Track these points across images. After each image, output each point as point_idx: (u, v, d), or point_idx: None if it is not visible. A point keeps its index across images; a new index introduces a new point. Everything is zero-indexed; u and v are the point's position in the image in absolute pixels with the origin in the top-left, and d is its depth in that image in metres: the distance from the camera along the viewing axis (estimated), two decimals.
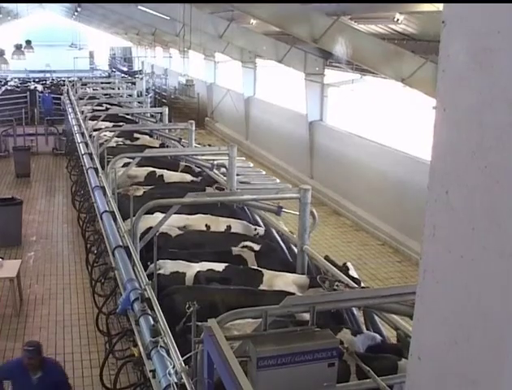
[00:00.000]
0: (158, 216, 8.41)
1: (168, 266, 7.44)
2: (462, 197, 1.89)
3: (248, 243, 8.45)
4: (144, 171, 12.55)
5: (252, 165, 13.87)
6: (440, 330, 2.00)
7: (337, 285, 6.78)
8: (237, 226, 9.23)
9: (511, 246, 1.71)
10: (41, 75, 40.57)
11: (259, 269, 7.64)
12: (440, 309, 2.00)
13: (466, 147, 1.85)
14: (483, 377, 1.84)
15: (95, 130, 15.76)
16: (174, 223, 8.80)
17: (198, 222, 9.21)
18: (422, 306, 2.12)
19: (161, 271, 7.24)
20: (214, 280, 7.25)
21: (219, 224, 9.21)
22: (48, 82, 35.43)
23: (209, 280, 7.26)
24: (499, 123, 1.72)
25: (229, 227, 9.18)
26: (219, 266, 7.53)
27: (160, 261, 7.31)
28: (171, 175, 12.55)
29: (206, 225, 9.18)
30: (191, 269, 7.42)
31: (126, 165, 11.70)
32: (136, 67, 46.92)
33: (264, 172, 13.31)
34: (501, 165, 1.73)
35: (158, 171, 12.53)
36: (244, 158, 14.86)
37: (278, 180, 12.21)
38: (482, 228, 1.81)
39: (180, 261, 7.64)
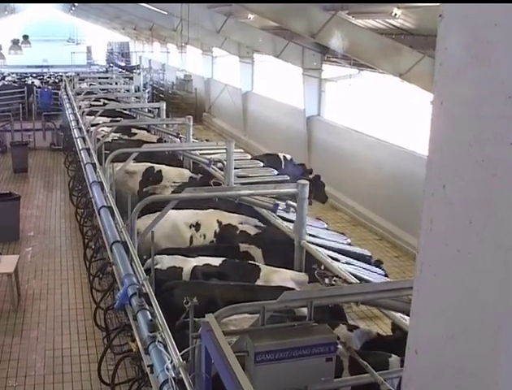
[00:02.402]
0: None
1: (165, 261, 7.45)
2: (459, 190, 1.88)
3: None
4: (142, 166, 12.55)
5: (250, 157, 13.87)
6: (437, 323, 2.00)
7: (335, 280, 6.79)
8: (249, 222, 9.23)
9: (508, 239, 1.71)
10: (39, 70, 40.49)
11: (256, 264, 7.65)
12: (437, 302, 2.00)
13: (463, 140, 1.84)
14: (480, 370, 1.84)
15: (93, 125, 15.72)
16: (185, 218, 8.87)
17: (210, 217, 9.23)
18: (419, 300, 2.12)
19: (158, 266, 7.24)
20: (211, 275, 7.26)
21: (231, 220, 9.21)
22: (46, 77, 35.35)
23: (206, 275, 7.27)
24: (496, 115, 1.72)
25: (241, 224, 9.18)
26: (216, 261, 7.54)
27: (157, 256, 7.32)
28: (169, 171, 12.55)
29: (218, 221, 9.20)
30: (188, 264, 7.43)
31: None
32: (133, 62, 46.84)
33: (262, 164, 13.31)
34: (499, 158, 1.72)
35: (157, 167, 12.53)
36: (242, 150, 14.86)
37: (276, 172, 12.23)
38: (479, 222, 1.81)
39: (177, 256, 7.66)
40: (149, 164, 12.60)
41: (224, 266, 7.49)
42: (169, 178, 12.34)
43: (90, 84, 25.87)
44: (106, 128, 15.10)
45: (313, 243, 8.12)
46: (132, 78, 29.73)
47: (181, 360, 4.91)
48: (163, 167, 12.57)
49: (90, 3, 33.36)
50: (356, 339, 5.88)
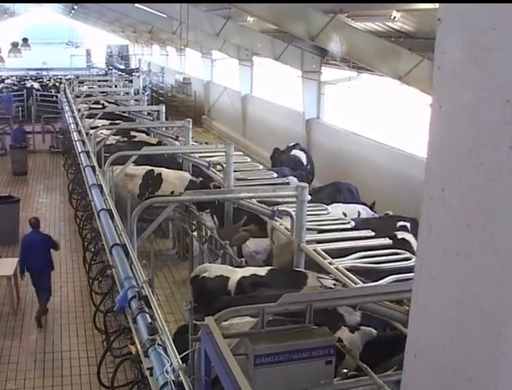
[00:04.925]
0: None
1: (213, 270, 7.53)
2: (457, 194, 1.89)
3: (402, 222, 9.59)
4: (142, 169, 12.56)
5: (249, 160, 13.88)
6: (435, 327, 2.00)
7: (335, 284, 6.82)
8: None
9: (507, 243, 1.71)
10: (38, 73, 40.52)
11: (303, 271, 7.66)
12: (435, 306, 2.00)
13: (461, 144, 1.85)
14: (479, 374, 1.84)
15: (92, 128, 15.74)
16: None
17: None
18: (417, 303, 2.12)
19: (205, 274, 7.35)
20: (258, 284, 7.27)
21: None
22: (45, 80, 35.36)
23: (252, 285, 7.29)
24: (494, 120, 1.72)
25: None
26: (262, 271, 7.60)
27: (206, 264, 7.62)
28: (169, 174, 12.56)
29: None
30: (235, 274, 7.50)
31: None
32: (133, 65, 46.83)
33: (261, 166, 13.33)
34: (497, 162, 1.73)
35: (156, 170, 12.53)
36: (241, 153, 14.87)
37: (275, 174, 12.24)
38: (478, 225, 1.81)
39: (225, 265, 7.82)
40: (149, 167, 12.61)
41: (271, 275, 7.53)
42: (169, 181, 12.35)
43: (90, 87, 25.90)
44: (105, 131, 15.11)
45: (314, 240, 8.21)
46: (131, 81, 29.76)
47: (181, 363, 4.91)
48: (163, 170, 12.58)
49: (90, 3, 33.30)
50: (358, 340, 5.92)
